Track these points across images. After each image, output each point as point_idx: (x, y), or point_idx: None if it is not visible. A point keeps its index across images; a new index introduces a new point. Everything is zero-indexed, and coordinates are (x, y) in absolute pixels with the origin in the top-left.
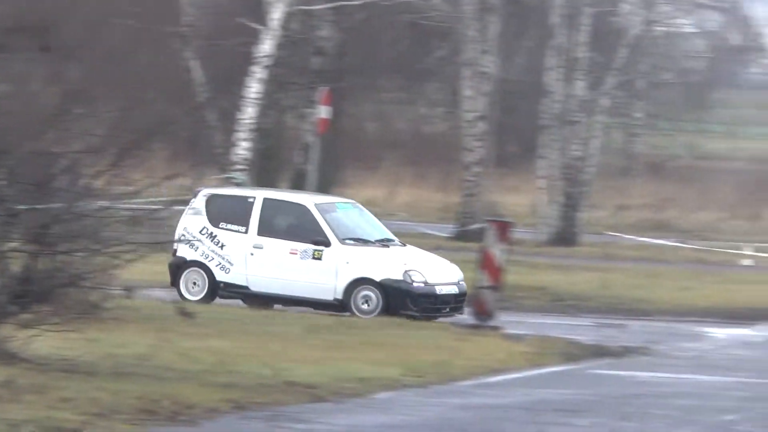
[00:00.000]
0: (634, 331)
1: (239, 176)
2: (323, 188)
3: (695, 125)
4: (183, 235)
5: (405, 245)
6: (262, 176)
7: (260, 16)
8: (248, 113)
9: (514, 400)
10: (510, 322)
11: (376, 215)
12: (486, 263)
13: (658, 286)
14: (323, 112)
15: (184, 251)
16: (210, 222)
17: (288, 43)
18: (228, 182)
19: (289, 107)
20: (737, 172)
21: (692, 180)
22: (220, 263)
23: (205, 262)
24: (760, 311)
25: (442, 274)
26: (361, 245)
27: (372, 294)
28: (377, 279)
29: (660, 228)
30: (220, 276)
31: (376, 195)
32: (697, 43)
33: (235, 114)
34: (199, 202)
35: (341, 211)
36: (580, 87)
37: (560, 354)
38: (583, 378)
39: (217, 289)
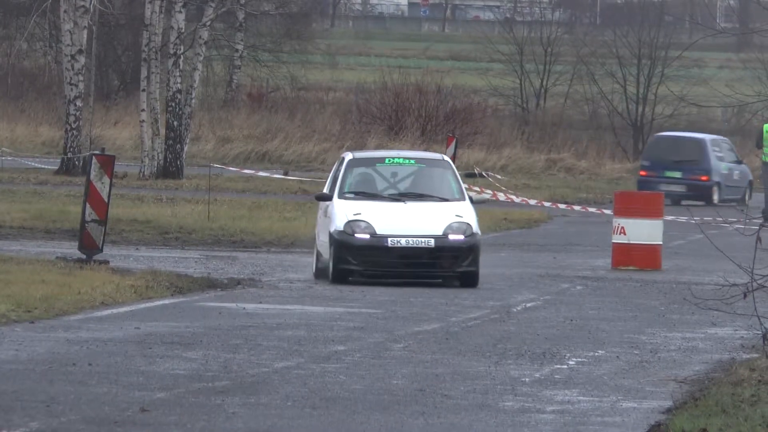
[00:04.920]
0: (241, 262)
1: None
2: None
3: (295, 56)
4: None
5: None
6: None
7: None
8: None
9: (124, 334)
10: (118, 255)
11: None
12: (91, 197)
13: (263, 218)
14: None
15: None
16: None
17: None
18: None
19: None
20: (339, 102)
21: (295, 111)
22: None
23: None
24: None
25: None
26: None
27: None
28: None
29: (264, 159)
30: None
31: None
32: None
33: None
34: None
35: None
36: (179, 19)
37: (169, 287)
38: (193, 310)
39: None
